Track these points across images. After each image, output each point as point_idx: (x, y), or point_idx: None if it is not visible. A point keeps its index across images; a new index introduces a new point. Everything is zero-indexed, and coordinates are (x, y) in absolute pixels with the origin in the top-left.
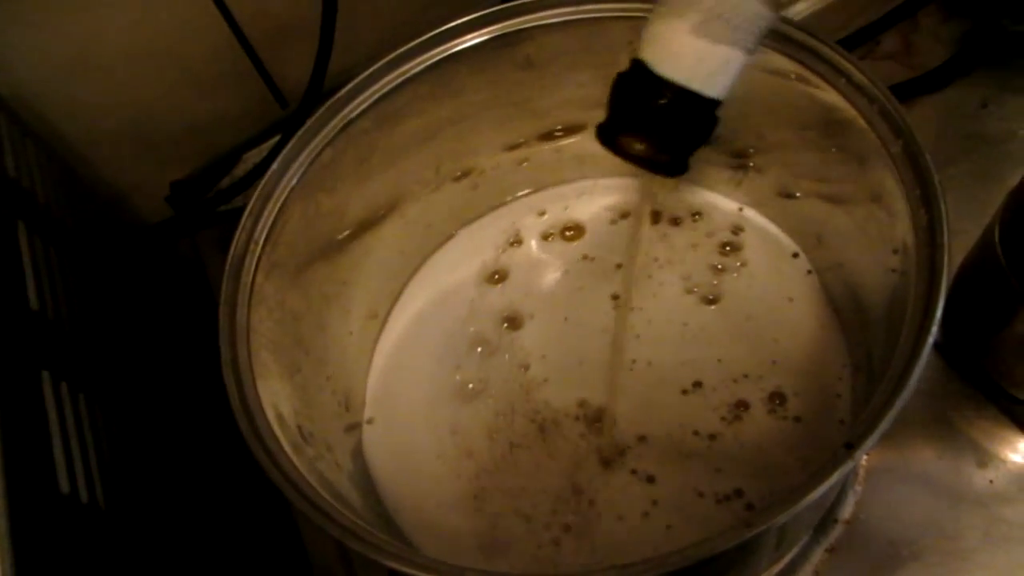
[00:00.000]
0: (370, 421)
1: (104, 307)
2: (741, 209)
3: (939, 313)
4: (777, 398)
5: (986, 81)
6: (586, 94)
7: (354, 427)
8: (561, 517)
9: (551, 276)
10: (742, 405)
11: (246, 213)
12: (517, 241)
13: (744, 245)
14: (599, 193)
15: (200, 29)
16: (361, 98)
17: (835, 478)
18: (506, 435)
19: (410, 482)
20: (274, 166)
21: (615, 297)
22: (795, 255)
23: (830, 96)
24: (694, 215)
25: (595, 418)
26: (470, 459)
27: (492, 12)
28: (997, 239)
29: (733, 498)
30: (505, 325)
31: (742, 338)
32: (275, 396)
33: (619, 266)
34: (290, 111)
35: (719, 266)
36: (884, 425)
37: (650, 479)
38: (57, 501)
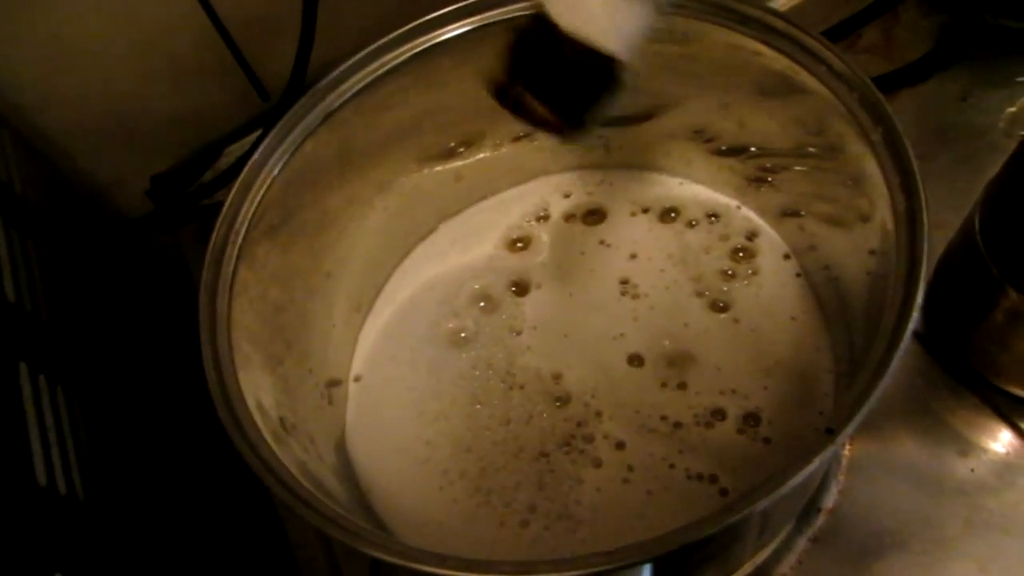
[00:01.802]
0: (358, 379)
1: (83, 300)
2: (739, 207)
3: (920, 297)
4: (752, 419)
5: (966, 74)
6: None
7: (336, 384)
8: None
9: (567, 254)
10: (718, 414)
11: (227, 203)
12: (544, 216)
13: (758, 252)
14: (621, 183)
15: (180, 21)
16: (343, 88)
17: (816, 463)
18: (471, 388)
19: (389, 450)
20: (255, 156)
21: (623, 282)
22: (786, 256)
23: (810, 84)
24: (710, 215)
25: (562, 393)
26: (437, 401)
27: (474, 3)
28: (977, 229)
29: (706, 480)
30: (512, 289)
31: (745, 355)
32: (256, 387)
33: (633, 256)
34: (272, 105)
35: (730, 272)
36: (865, 410)
37: (619, 445)
38: (34, 493)
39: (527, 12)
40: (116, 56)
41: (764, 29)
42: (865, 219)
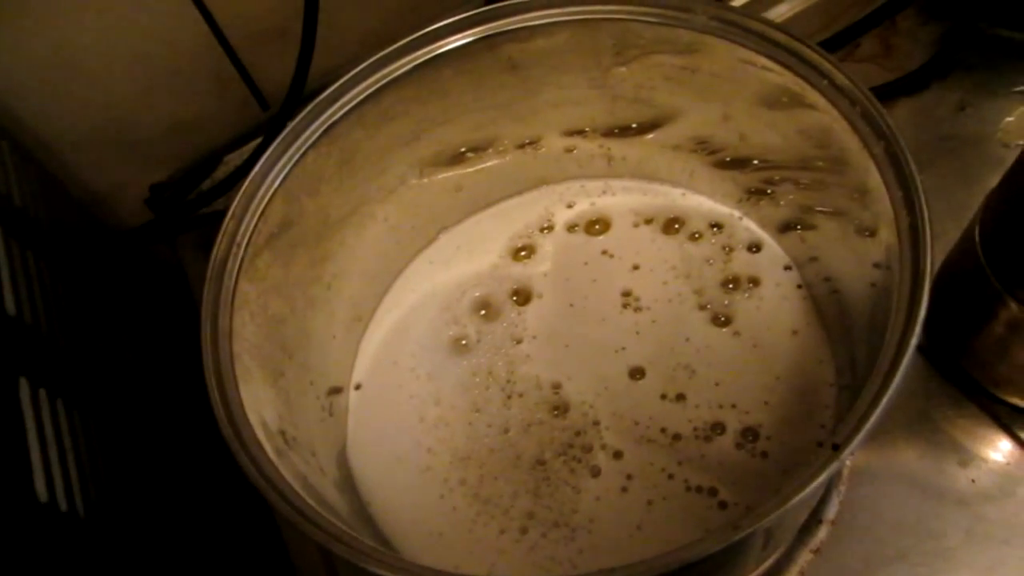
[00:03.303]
0: (358, 387)
1: (83, 312)
2: (741, 218)
3: (923, 312)
4: (750, 433)
5: (964, 83)
6: (569, 96)
7: (337, 391)
8: (512, 488)
9: (570, 264)
10: (718, 428)
11: (228, 216)
12: (548, 227)
13: (759, 264)
14: (624, 193)
15: (179, 30)
16: (344, 100)
17: (822, 478)
18: (471, 395)
19: (390, 459)
20: (256, 168)
21: (626, 294)
22: (787, 268)
23: (811, 98)
24: (712, 226)
25: (560, 403)
26: (438, 408)
27: (475, 14)
28: (978, 239)
29: (705, 492)
30: (514, 298)
31: (746, 369)
32: (258, 401)
33: (636, 267)
34: (271, 113)
35: (731, 284)
36: (870, 426)
37: (617, 455)
38: (35, 510)
39: (526, 25)
40: (115, 66)
41: (765, 42)
42: (868, 232)
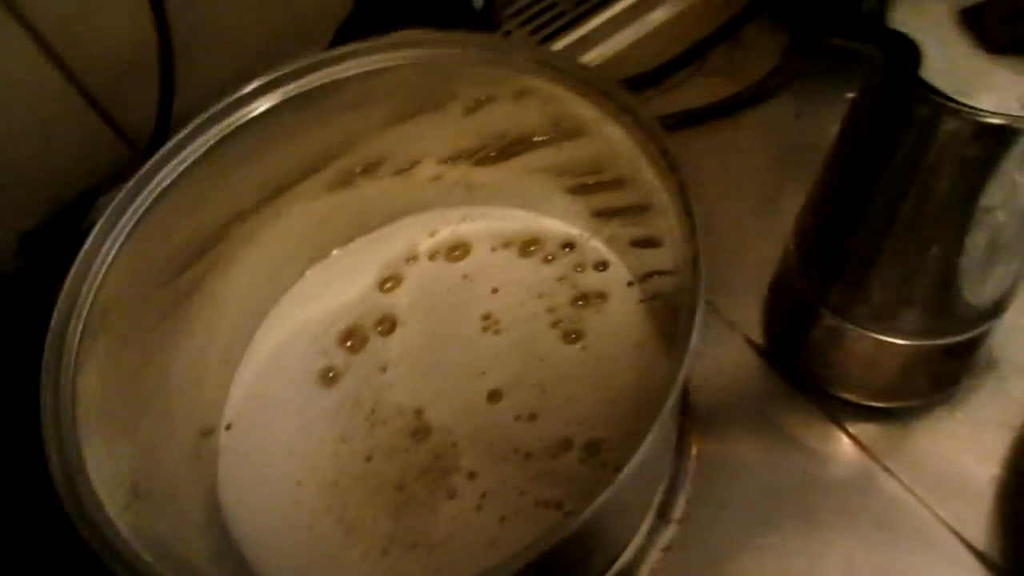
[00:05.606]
0: (229, 427)
1: None
2: (590, 238)
3: (693, 342)
4: (593, 447)
5: (802, 92)
6: (415, 130)
7: (208, 433)
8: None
9: (432, 291)
10: (565, 444)
11: (69, 277)
12: (413, 256)
13: (607, 281)
14: (482, 219)
15: (35, 79)
16: (185, 153)
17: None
18: (338, 426)
19: (261, 496)
20: (96, 229)
21: (485, 317)
22: (630, 284)
23: (616, 133)
24: (565, 246)
25: (422, 428)
26: (306, 441)
27: (278, 76)
28: (793, 249)
29: (553, 507)
30: (379, 328)
31: (593, 384)
32: (107, 461)
33: (495, 290)
34: (143, 152)
35: (581, 302)
36: (643, 451)
37: (472, 475)
38: None
39: (357, 72)
40: None
41: (576, 81)
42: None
